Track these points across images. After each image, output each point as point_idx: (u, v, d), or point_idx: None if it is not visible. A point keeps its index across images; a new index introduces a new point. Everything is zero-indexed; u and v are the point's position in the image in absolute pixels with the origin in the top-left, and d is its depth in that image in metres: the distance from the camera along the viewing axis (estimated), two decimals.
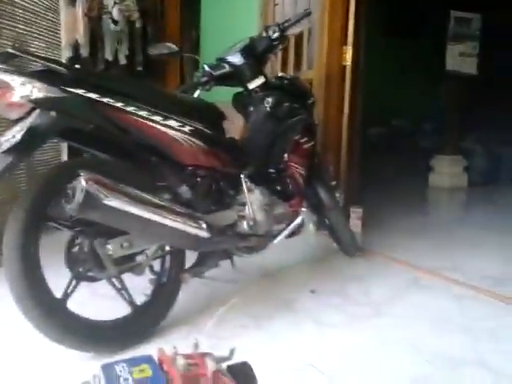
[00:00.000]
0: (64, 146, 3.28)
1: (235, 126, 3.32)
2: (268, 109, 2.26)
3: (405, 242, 3.07)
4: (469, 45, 4.83)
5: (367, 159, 5.03)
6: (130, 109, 1.63)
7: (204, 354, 0.98)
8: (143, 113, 1.66)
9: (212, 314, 1.93)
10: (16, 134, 1.44)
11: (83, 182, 1.46)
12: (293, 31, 2.80)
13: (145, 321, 1.76)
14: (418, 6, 5.91)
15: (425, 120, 5.92)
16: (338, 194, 2.72)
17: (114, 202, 1.51)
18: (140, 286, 1.81)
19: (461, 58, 4.84)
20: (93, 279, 1.69)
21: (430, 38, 5.48)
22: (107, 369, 0.94)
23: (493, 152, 5.20)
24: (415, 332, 1.83)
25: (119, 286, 1.73)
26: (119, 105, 1.60)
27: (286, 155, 2.33)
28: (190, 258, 1.95)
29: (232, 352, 1.04)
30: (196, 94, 2.32)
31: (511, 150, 4.94)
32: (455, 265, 2.62)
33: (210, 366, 0.92)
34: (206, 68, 2.27)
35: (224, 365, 1.02)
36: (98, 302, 1.90)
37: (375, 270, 2.57)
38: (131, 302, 1.75)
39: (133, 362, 0.95)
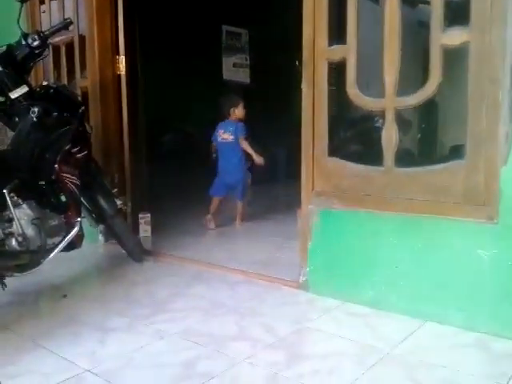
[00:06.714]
0: None
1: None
2: (34, 119, 2.17)
3: (191, 241, 3.27)
4: (240, 56, 5.35)
5: (160, 164, 5.16)
6: None
7: None
8: None
9: None
10: None
11: None
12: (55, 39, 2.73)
13: None
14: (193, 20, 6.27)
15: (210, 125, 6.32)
16: (119, 201, 2.76)
17: None
18: None
19: (235, 69, 5.33)
20: None
21: (211, 51, 5.88)
22: None
23: (272, 153, 5.84)
24: (190, 321, 1.98)
25: None
26: None
27: (56, 166, 2.28)
28: None
29: None
30: None
31: (283, 150, 5.59)
32: (232, 255, 2.91)
33: None
34: None
35: None
36: None
37: (162, 271, 2.68)
38: None
39: None
